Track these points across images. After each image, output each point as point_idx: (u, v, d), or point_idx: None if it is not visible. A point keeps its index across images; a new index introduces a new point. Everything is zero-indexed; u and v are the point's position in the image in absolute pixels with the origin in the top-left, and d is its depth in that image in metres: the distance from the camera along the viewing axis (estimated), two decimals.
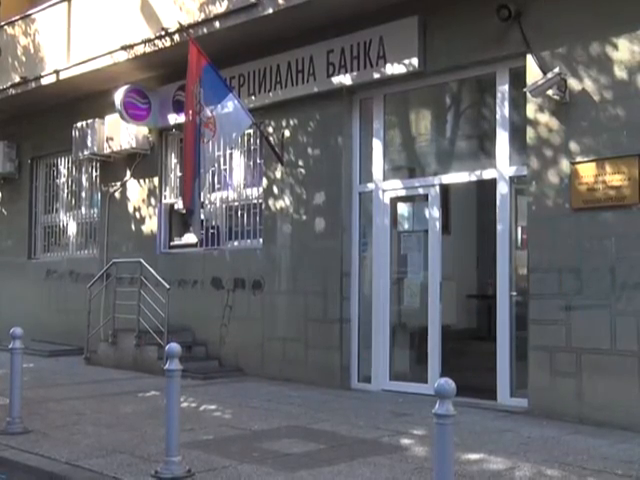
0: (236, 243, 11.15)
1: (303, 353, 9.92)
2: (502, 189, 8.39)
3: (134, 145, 12.11)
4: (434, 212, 9.07)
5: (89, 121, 12.61)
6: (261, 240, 10.69)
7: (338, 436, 6.77)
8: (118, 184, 12.78)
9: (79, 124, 12.80)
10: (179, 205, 11.67)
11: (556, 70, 7.58)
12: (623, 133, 7.30)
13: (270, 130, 10.49)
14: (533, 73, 7.89)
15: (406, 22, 8.90)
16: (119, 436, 6.73)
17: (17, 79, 13.63)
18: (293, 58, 10.05)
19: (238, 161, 11.24)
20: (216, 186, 11.45)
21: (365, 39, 9.27)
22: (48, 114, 13.95)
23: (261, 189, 10.73)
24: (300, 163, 10.17)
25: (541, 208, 7.84)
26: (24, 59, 13.97)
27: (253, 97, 10.57)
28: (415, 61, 8.84)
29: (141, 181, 12.44)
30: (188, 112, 9.70)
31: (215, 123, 9.62)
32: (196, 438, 6.60)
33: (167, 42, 10.84)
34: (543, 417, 7.54)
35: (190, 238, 11.72)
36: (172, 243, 12.11)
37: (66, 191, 14.19)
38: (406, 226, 10.06)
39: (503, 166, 8.41)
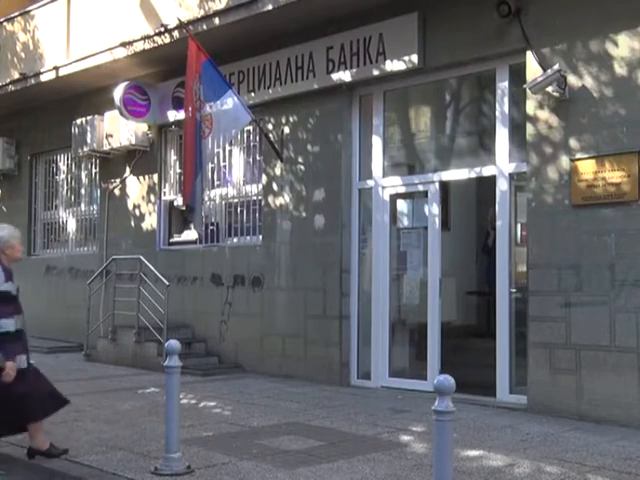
0: (235, 240, 11.15)
1: (303, 349, 9.92)
2: (502, 186, 8.39)
3: (133, 142, 12.10)
4: (434, 209, 9.07)
5: (88, 118, 12.60)
6: (261, 237, 10.70)
7: (337, 433, 6.77)
8: (117, 181, 12.77)
9: (78, 121, 12.79)
10: (179, 202, 11.66)
11: (556, 67, 7.57)
12: (623, 130, 7.30)
13: (270, 127, 10.49)
14: (533, 70, 7.89)
15: (406, 19, 8.89)
16: (119, 432, 6.74)
17: (16, 75, 13.63)
18: (293, 54, 10.04)
19: (238, 158, 11.24)
20: (215, 183, 11.44)
21: (365, 35, 9.26)
22: (47, 111, 13.94)
23: (261, 186, 10.72)
24: (300, 160, 10.16)
25: (541, 205, 7.84)
26: (23, 55, 13.97)
27: (253, 94, 10.56)
28: (415, 58, 8.83)
29: (140, 178, 12.44)
30: (188, 109, 9.69)
31: (212, 120, 9.62)
32: (196, 434, 6.61)
33: (166, 38, 10.83)
34: (542, 414, 7.55)
35: (190, 234, 11.74)
36: (172, 240, 12.11)
37: (65, 188, 14.18)
38: (406, 223, 10.07)
39: (503, 163, 8.40)
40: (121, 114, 11.74)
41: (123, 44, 11.44)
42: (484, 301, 10.91)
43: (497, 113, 8.49)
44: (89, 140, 12.57)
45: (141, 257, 11.33)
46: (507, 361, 8.20)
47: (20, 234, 6.50)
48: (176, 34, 10.63)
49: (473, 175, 8.92)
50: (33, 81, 13.24)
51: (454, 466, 4.60)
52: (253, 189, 10.96)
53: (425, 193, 9.25)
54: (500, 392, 8.20)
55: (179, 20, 10.24)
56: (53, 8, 13.45)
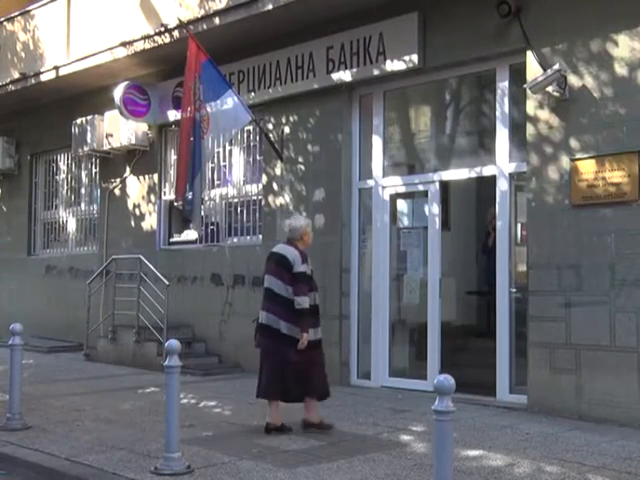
0: (236, 239, 11.15)
1: None
2: (502, 185, 8.39)
3: (133, 141, 12.09)
4: (434, 208, 9.07)
5: (88, 117, 12.60)
6: (261, 236, 10.70)
7: (337, 432, 6.76)
8: (118, 180, 12.77)
9: (78, 120, 12.79)
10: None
11: (556, 66, 7.57)
12: (623, 129, 7.30)
13: (270, 126, 10.49)
14: (533, 69, 7.89)
15: (406, 18, 8.89)
16: (119, 432, 6.74)
17: (16, 75, 13.63)
18: (293, 54, 10.04)
19: (238, 157, 11.24)
20: (216, 182, 11.45)
21: (365, 35, 9.26)
22: (47, 110, 13.94)
23: (261, 185, 10.73)
24: (300, 159, 10.16)
25: (541, 204, 7.84)
26: (23, 55, 13.97)
27: (253, 93, 10.56)
28: (415, 57, 8.83)
29: (140, 177, 12.44)
30: (186, 109, 9.68)
31: (209, 120, 9.62)
32: (196, 434, 6.61)
33: (167, 38, 10.83)
34: (542, 413, 7.55)
35: (190, 234, 11.75)
36: (172, 239, 12.11)
37: (66, 187, 14.18)
38: (406, 222, 10.07)
39: (503, 162, 8.40)
40: (121, 114, 11.74)
41: (123, 44, 11.44)
42: (484, 301, 10.90)
43: (497, 113, 8.49)
44: (89, 140, 12.57)
45: (141, 257, 11.33)
46: (507, 361, 8.20)
47: (310, 222, 7.33)
48: (176, 34, 10.63)
49: (473, 175, 8.92)
50: (33, 81, 13.23)
51: (454, 466, 4.60)
52: (253, 189, 10.96)
53: (425, 193, 9.25)
54: (500, 392, 8.20)
55: (179, 20, 10.24)
56: (53, 8, 13.44)
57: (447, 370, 5.01)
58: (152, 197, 12.23)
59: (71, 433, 6.71)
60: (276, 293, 6.64)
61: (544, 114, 7.84)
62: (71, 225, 13.97)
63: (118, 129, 12.18)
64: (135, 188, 12.52)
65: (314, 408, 6.78)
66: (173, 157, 12.12)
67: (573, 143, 7.63)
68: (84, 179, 13.77)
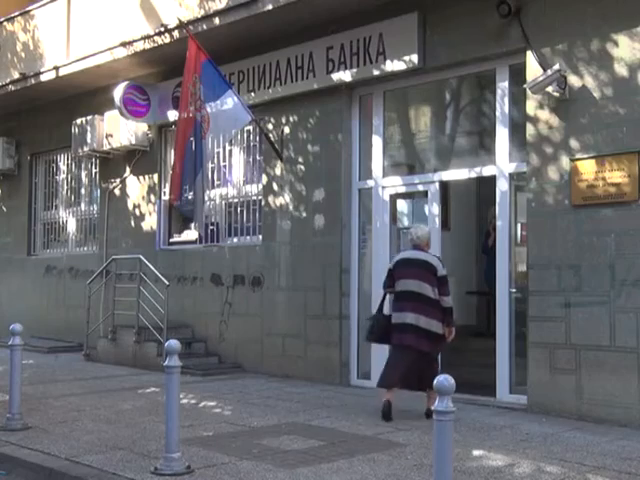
0: (235, 240, 11.15)
1: (302, 349, 9.92)
2: (502, 186, 8.39)
3: (133, 142, 12.10)
4: (434, 208, 9.07)
5: (88, 117, 12.60)
6: (260, 237, 10.70)
7: (338, 433, 6.77)
8: (117, 180, 12.77)
9: (78, 120, 12.78)
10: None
11: (556, 67, 7.57)
12: (623, 130, 7.30)
13: (270, 127, 10.49)
14: (533, 69, 7.89)
15: (406, 18, 8.89)
16: (119, 432, 6.74)
17: (16, 75, 13.63)
18: (293, 54, 10.04)
19: (238, 158, 11.24)
20: (216, 183, 11.45)
21: (365, 35, 9.26)
22: (47, 110, 13.94)
23: (261, 186, 10.73)
24: (300, 160, 10.17)
25: (541, 205, 7.84)
26: (23, 55, 13.97)
27: (252, 94, 10.57)
28: (415, 57, 8.83)
29: (140, 177, 12.44)
30: (182, 108, 9.67)
31: (209, 120, 9.62)
32: (196, 434, 6.61)
33: (167, 38, 10.83)
34: (542, 414, 7.55)
35: (190, 234, 11.75)
36: (171, 239, 12.11)
37: (65, 187, 14.18)
38: (406, 222, 10.07)
39: (503, 163, 8.41)
40: (121, 114, 11.74)
41: (123, 44, 11.44)
42: (484, 301, 10.91)
43: (497, 113, 8.49)
44: (89, 140, 12.56)
45: (141, 257, 11.33)
46: (507, 361, 8.20)
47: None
48: (176, 34, 10.63)
49: (473, 175, 8.92)
50: (33, 81, 13.23)
51: (454, 466, 4.61)
52: (253, 189, 10.96)
53: (425, 193, 9.25)
54: (500, 392, 8.20)
55: (179, 20, 10.24)
56: (53, 8, 13.45)
57: (447, 370, 5.01)
58: (152, 197, 12.24)
59: (71, 433, 6.71)
60: (424, 295, 7.26)
61: (544, 114, 7.84)
62: (71, 225, 13.97)
63: (118, 129, 12.18)
64: (135, 188, 12.52)
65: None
66: (173, 157, 12.11)
67: (573, 143, 7.63)
68: (84, 179, 13.76)
